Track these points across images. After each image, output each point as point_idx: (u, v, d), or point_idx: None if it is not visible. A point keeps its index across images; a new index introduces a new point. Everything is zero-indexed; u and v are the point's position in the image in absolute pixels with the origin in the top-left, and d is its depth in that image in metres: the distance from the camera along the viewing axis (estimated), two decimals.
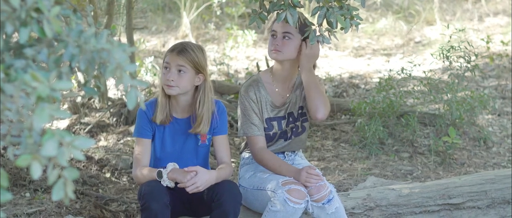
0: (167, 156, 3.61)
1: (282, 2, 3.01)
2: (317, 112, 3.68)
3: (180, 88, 3.51)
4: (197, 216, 3.66)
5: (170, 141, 3.61)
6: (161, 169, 3.47)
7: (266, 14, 3.18)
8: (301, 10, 3.37)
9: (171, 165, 3.49)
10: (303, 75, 3.68)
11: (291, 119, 3.81)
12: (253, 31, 8.64)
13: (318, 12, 3.07)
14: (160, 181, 3.45)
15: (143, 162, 3.56)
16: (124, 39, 6.03)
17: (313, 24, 3.27)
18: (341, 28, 3.13)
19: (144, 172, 3.52)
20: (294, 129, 3.84)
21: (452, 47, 5.39)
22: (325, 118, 3.76)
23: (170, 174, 3.45)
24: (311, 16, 3.25)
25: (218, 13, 9.33)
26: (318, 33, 3.22)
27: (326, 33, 3.20)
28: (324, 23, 3.15)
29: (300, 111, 3.83)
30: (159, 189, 3.39)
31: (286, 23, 3.64)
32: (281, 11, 3.03)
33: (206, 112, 3.56)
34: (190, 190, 3.41)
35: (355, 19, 3.13)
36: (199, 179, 3.40)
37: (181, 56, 3.49)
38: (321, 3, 3.06)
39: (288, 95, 3.82)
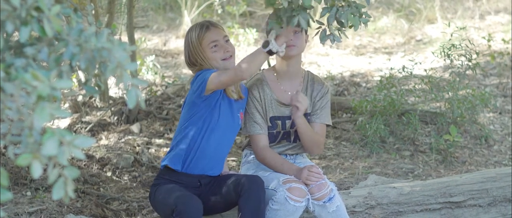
0: (219, 126, 3.62)
1: (293, 7, 3.00)
2: (311, 152, 3.87)
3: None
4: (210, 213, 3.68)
5: (224, 112, 3.61)
6: (266, 39, 3.41)
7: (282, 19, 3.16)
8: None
9: (271, 35, 3.41)
10: (299, 120, 3.67)
11: None
12: (254, 29, 8.65)
13: (328, 12, 3.07)
14: (270, 50, 3.39)
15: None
16: (125, 38, 6.03)
17: (323, 24, 3.26)
18: (350, 26, 3.12)
19: (243, 61, 3.43)
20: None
21: (453, 45, 5.39)
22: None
23: (277, 39, 3.40)
24: (320, 17, 3.23)
25: (219, 11, 9.33)
26: (328, 33, 3.21)
27: (336, 32, 3.20)
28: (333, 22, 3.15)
29: (307, 119, 3.82)
30: (194, 206, 3.38)
31: None
32: (293, 16, 3.02)
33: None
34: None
35: (364, 16, 3.12)
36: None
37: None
38: (328, 4, 3.06)
39: (295, 92, 3.81)
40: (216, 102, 3.56)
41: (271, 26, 3.25)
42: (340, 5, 3.05)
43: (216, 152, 3.62)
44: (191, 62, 3.62)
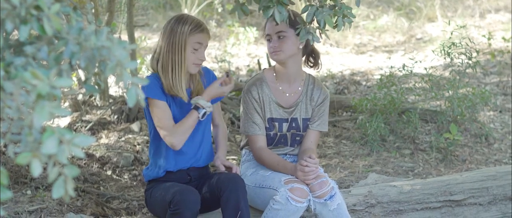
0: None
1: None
2: None
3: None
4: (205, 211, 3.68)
5: (178, 110, 3.59)
6: (195, 106, 3.52)
7: (248, 7, 3.12)
8: (292, 7, 3.33)
9: (195, 99, 3.53)
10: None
11: (293, 125, 3.79)
12: (255, 28, 8.64)
13: (307, 10, 3.04)
14: (203, 114, 3.52)
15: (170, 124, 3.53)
16: (125, 37, 6.03)
17: (305, 23, 3.23)
18: (334, 27, 3.10)
19: (179, 125, 3.52)
20: (297, 138, 3.82)
21: (453, 43, 5.38)
22: None
23: (200, 100, 3.51)
24: (301, 14, 3.22)
25: (219, 10, 9.33)
26: (308, 32, 3.18)
27: (316, 32, 3.16)
28: (315, 21, 3.13)
29: (304, 124, 3.81)
30: (191, 198, 3.37)
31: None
32: (269, 7, 2.97)
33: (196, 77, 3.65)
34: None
35: (348, 17, 3.10)
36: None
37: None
38: (312, 1, 3.04)
39: (294, 94, 3.79)
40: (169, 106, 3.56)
41: (234, 10, 3.17)
42: (321, 5, 3.03)
43: (190, 146, 3.62)
44: (160, 52, 3.53)
